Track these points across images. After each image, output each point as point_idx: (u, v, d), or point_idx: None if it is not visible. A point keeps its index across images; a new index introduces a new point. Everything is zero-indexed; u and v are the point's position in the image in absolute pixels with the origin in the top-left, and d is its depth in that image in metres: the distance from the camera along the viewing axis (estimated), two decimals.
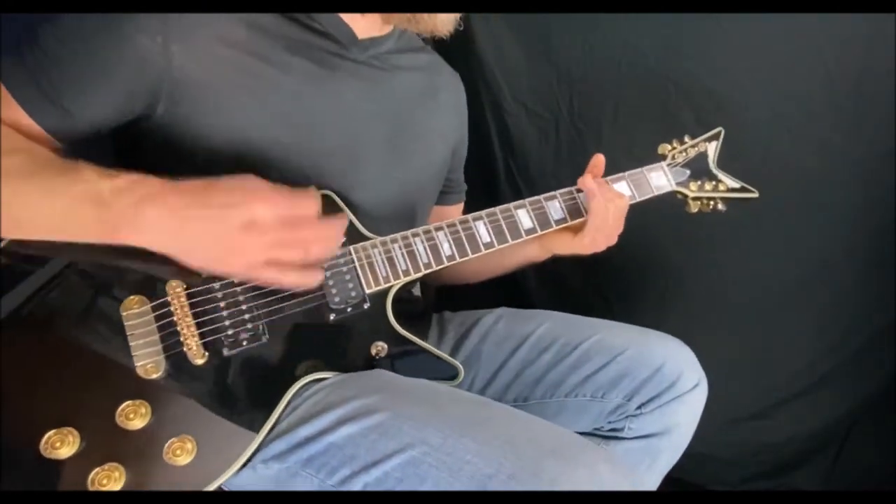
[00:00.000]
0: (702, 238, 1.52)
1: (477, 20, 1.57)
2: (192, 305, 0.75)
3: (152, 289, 0.74)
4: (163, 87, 0.77)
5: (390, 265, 0.86)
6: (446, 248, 0.90)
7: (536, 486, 0.62)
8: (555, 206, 0.99)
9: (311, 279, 0.73)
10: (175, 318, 0.74)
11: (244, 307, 0.77)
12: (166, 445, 0.68)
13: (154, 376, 0.71)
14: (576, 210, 1.00)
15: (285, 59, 0.84)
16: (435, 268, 0.88)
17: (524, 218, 0.96)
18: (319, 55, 0.87)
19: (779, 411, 1.63)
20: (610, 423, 1.03)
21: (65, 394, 0.67)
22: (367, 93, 0.92)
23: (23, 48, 0.74)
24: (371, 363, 0.83)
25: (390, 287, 0.86)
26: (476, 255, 0.91)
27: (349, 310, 0.83)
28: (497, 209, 0.95)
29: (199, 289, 0.76)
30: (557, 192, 1.00)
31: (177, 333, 0.73)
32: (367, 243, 0.86)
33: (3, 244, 0.69)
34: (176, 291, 0.74)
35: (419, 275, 0.88)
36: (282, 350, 0.78)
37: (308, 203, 0.72)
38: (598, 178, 1.01)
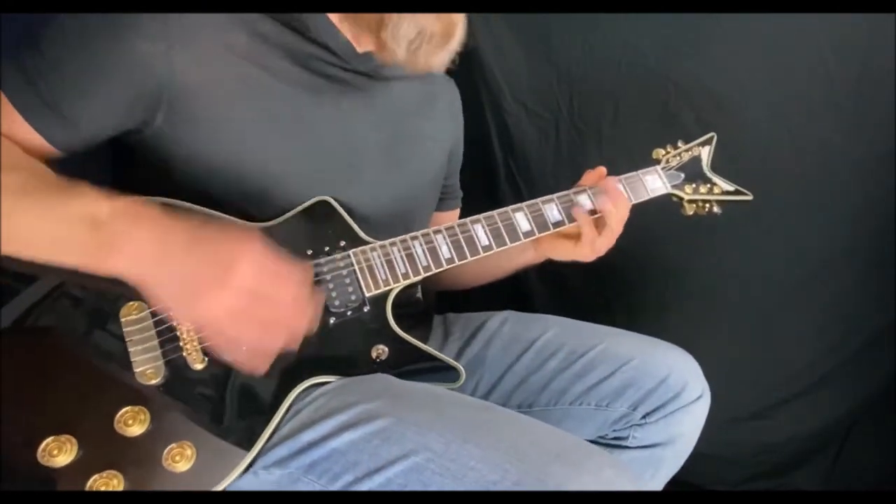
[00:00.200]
0: (702, 238, 1.51)
1: (477, 20, 1.57)
2: None
3: None
4: (163, 93, 0.76)
5: (389, 268, 0.86)
6: (445, 251, 0.89)
7: (542, 491, 0.61)
8: (552, 209, 0.98)
9: (257, 366, 0.69)
10: (174, 324, 0.73)
11: None
12: (165, 452, 0.68)
13: (153, 382, 0.70)
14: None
15: (284, 67, 0.84)
16: (434, 270, 0.88)
17: (522, 221, 0.96)
18: (318, 65, 0.87)
19: (779, 411, 1.63)
20: (614, 431, 1.03)
21: (63, 400, 0.66)
22: (365, 103, 0.92)
23: (22, 53, 0.73)
24: (372, 367, 0.82)
25: (390, 290, 0.85)
26: (475, 257, 0.91)
27: (349, 313, 0.82)
28: (495, 212, 0.95)
29: None
30: (555, 196, 0.99)
31: (176, 339, 0.73)
32: (366, 247, 0.86)
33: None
34: None
35: (418, 278, 0.88)
36: (282, 354, 0.77)
37: (295, 278, 0.67)
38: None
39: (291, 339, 0.69)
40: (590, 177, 1.04)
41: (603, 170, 1.04)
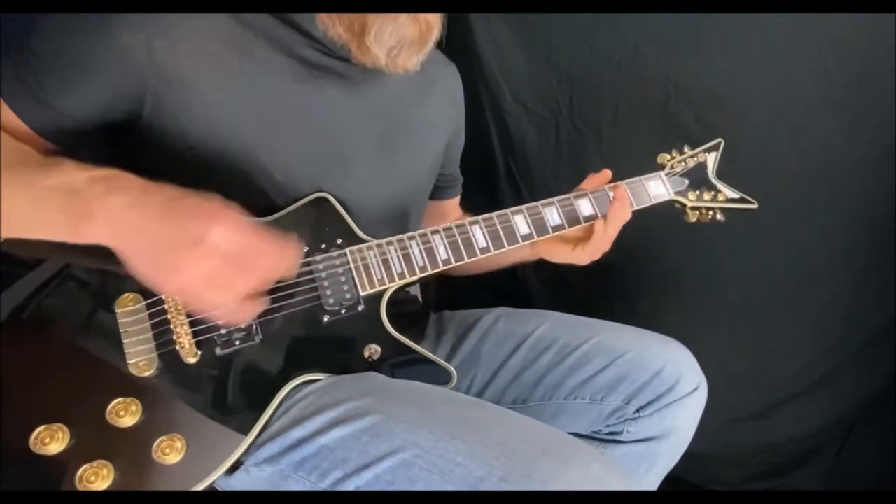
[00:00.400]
0: (702, 238, 1.51)
1: (477, 20, 1.57)
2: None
3: (147, 287, 0.74)
4: (147, 84, 0.76)
5: (385, 268, 0.86)
6: (442, 252, 0.89)
7: (528, 487, 0.61)
8: (552, 213, 0.97)
9: (241, 317, 0.71)
10: (169, 317, 0.74)
11: None
12: (156, 444, 0.68)
13: (146, 374, 0.71)
14: (574, 218, 0.98)
15: (268, 56, 0.83)
16: (430, 271, 0.88)
17: (521, 224, 0.95)
18: (304, 53, 0.86)
19: (779, 411, 1.63)
20: (608, 426, 1.03)
21: (56, 390, 0.67)
22: (355, 92, 0.91)
23: (8, 46, 0.74)
24: (364, 366, 0.83)
25: (385, 290, 0.86)
26: (472, 259, 0.91)
27: (343, 312, 0.83)
28: (494, 214, 0.94)
29: None
30: (555, 199, 0.98)
31: (170, 332, 0.74)
32: (362, 245, 0.86)
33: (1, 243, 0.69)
34: None
35: (414, 278, 0.87)
36: (274, 351, 0.78)
37: (271, 240, 0.68)
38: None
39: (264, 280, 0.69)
40: (593, 180, 1.03)
41: (608, 173, 1.03)
